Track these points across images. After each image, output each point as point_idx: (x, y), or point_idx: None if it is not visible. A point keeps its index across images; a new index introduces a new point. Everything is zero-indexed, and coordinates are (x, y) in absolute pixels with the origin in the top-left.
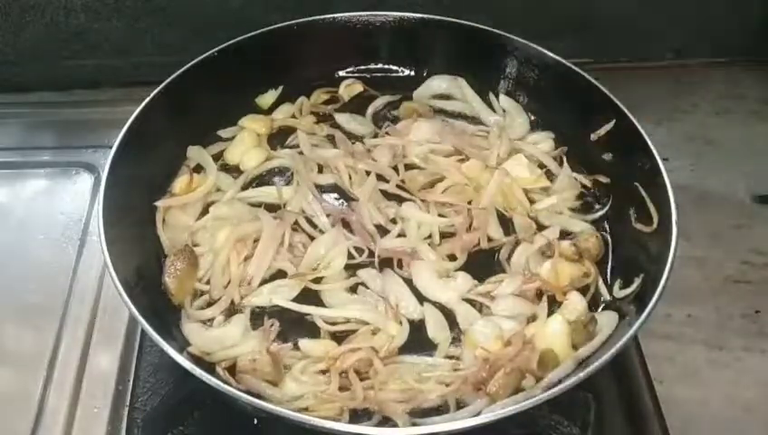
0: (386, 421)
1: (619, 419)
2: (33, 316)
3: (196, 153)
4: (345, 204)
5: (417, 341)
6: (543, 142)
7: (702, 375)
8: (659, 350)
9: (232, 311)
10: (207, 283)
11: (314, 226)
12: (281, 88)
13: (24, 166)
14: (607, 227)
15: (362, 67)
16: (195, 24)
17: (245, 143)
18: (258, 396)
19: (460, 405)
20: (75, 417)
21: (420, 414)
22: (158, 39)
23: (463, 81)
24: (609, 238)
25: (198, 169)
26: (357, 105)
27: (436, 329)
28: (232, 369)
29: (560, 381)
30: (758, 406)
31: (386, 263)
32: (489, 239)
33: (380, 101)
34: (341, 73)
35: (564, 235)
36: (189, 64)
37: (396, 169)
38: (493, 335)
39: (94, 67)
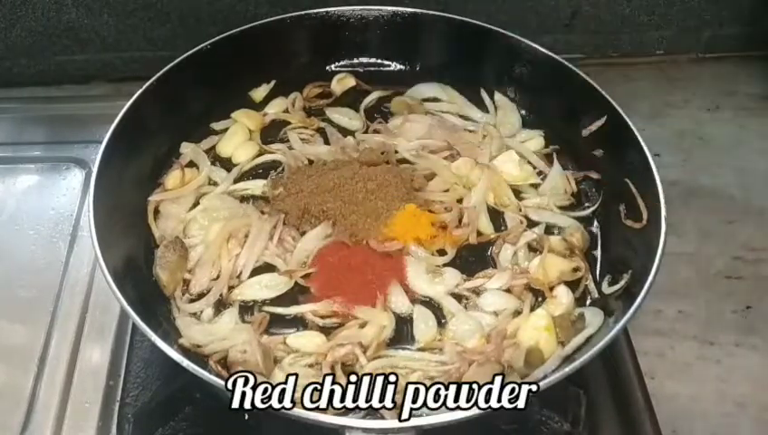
0: (373, 414)
1: (611, 414)
2: (24, 312)
3: (189, 150)
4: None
5: (404, 335)
6: (533, 140)
7: (693, 371)
8: (650, 345)
9: (221, 304)
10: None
11: None
12: (273, 82)
13: (15, 161)
14: (596, 223)
15: (354, 61)
16: (186, 19)
17: (238, 137)
18: None
19: None
20: (66, 412)
21: None
22: (149, 34)
23: (449, 87)
24: (598, 234)
25: (190, 163)
26: (349, 99)
27: (424, 330)
28: (222, 363)
29: (545, 377)
30: (749, 401)
31: None
32: (479, 234)
33: (372, 97)
34: (333, 67)
35: (553, 230)
36: (180, 58)
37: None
38: (472, 331)
39: (85, 62)
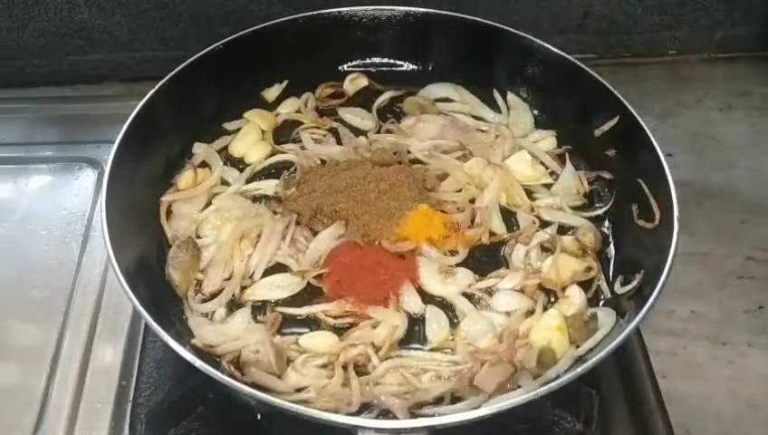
0: (386, 414)
1: (623, 414)
2: (37, 312)
3: (201, 150)
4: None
5: (416, 335)
6: (546, 140)
7: (705, 371)
8: (663, 345)
9: (234, 304)
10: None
11: None
12: (285, 82)
13: (28, 161)
14: (609, 223)
15: (367, 61)
16: (198, 19)
17: (250, 137)
18: (261, 389)
19: (458, 399)
20: (78, 412)
21: (418, 408)
22: (161, 34)
23: (462, 88)
24: (610, 234)
25: (203, 163)
26: (361, 99)
27: (436, 330)
28: (235, 363)
29: (558, 377)
30: (761, 401)
31: None
32: (492, 234)
33: (384, 97)
34: (346, 67)
35: (566, 230)
36: (193, 58)
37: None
38: (485, 331)
39: (98, 62)
